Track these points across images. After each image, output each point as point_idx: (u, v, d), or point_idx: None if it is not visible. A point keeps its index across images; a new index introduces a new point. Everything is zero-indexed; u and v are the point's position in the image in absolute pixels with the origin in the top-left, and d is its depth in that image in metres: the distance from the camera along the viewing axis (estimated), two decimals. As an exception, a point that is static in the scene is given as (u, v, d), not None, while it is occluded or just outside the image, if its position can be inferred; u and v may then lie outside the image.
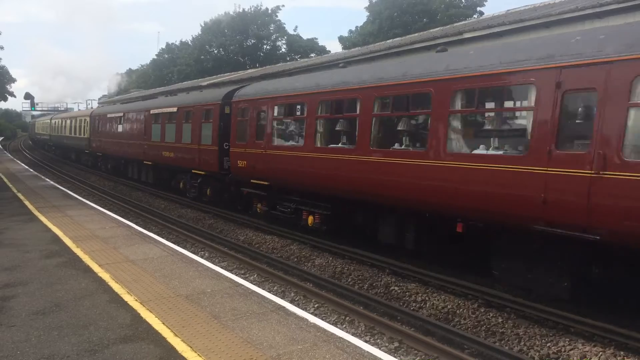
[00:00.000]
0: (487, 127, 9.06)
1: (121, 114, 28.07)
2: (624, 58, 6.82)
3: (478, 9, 50.00)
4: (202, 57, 63.84)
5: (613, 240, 7.00)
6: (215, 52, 64.78)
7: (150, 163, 24.02)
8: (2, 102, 62.41)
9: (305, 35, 74.70)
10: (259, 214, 15.52)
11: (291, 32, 66.62)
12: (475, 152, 8.86)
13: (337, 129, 12.00)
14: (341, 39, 56.37)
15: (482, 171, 8.46)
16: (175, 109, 21.08)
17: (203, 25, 66.46)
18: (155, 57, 78.88)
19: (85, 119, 35.52)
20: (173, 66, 69.58)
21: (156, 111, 23.03)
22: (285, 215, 14.10)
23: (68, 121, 42.27)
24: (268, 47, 65.81)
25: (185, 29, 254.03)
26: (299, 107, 13.77)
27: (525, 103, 8.44)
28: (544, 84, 7.67)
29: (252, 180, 15.01)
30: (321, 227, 12.77)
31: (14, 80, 60.68)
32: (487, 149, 8.74)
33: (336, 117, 12.08)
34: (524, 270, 8.30)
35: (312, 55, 57.67)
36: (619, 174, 6.77)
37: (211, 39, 64.38)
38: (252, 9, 64.95)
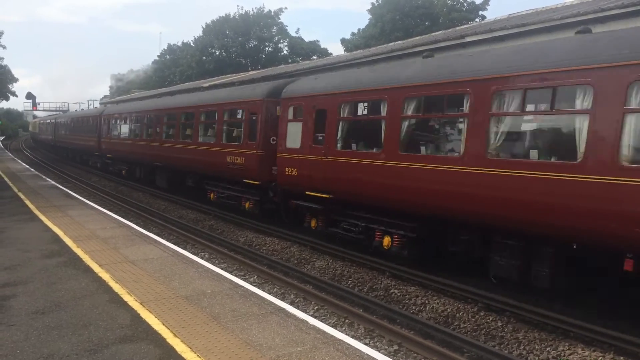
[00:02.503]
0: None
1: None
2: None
3: (480, 12, 50.07)
4: (204, 58, 63.88)
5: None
6: (217, 53, 64.84)
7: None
8: (4, 101, 62.44)
9: (307, 37, 74.66)
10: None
11: (293, 34, 66.86)
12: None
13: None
14: (343, 42, 56.44)
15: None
16: None
17: (204, 27, 66.62)
18: (157, 58, 79.01)
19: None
20: (175, 67, 69.61)
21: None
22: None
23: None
24: (270, 49, 65.90)
25: (187, 30, 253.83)
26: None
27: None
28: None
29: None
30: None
31: (16, 80, 60.75)
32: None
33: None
34: None
35: (314, 57, 57.76)
36: None
37: (213, 41, 64.44)
38: (255, 11, 65.17)
